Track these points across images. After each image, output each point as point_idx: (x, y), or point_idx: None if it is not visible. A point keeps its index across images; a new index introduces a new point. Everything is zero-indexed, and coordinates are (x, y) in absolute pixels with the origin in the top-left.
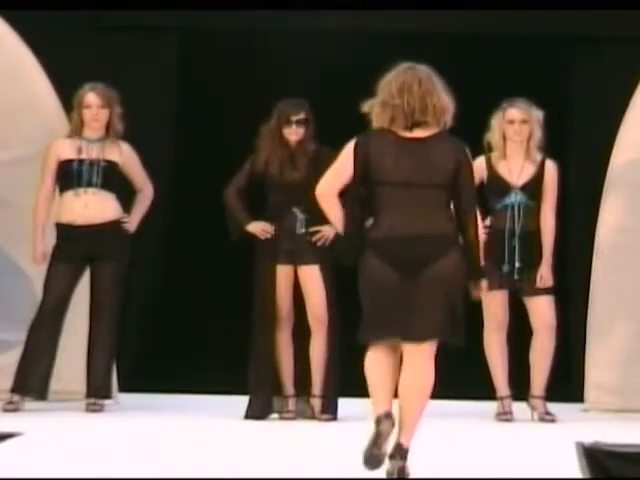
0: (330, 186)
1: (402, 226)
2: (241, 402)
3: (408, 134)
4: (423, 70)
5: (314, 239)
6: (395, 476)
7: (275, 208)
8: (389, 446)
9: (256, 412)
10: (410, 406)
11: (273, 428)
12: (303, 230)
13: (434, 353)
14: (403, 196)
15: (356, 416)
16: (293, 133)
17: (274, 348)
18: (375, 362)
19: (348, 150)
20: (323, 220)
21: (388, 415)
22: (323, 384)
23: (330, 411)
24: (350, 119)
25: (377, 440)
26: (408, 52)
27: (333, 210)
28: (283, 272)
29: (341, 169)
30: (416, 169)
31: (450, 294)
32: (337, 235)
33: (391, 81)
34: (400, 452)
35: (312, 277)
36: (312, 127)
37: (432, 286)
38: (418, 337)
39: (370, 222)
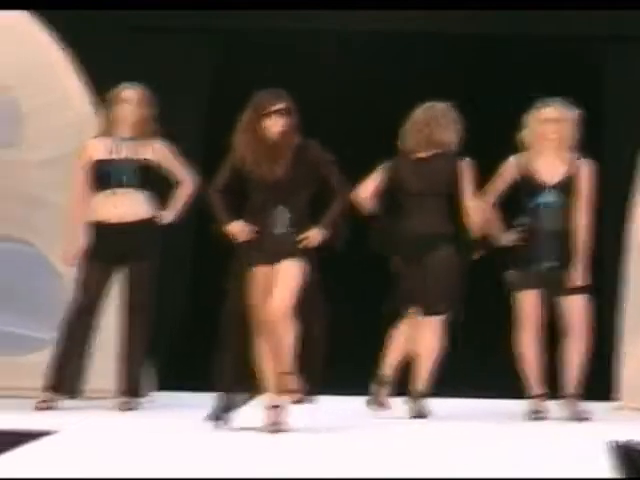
0: (367, 191)
1: (416, 226)
2: None
3: (424, 155)
4: (441, 107)
5: (301, 245)
6: (415, 414)
7: (255, 207)
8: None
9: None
10: (422, 362)
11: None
12: (285, 230)
13: (439, 322)
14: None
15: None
16: (273, 124)
17: (254, 353)
18: (395, 333)
19: (383, 167)
20: (307, 219)
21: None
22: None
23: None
24: (381, 121)
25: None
26: (442, 53)
27: (368, 210)
28: (263, 273)
29: (378, 180)
30: (426, 181)
31: (446, 277)
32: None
33: (418, 116)
34: (416, 394)
35: (285, 270)
36: (295, 118)
37: (432, 271)
38: (425, 311)
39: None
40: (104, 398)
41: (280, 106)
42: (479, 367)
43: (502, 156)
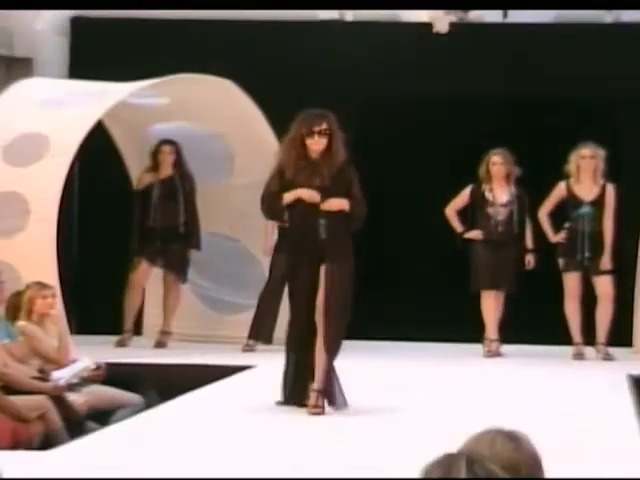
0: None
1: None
2: None
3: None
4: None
5: (324, 207)
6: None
7: (296, 216)
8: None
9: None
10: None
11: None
12: (325, 236)
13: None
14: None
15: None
16: (315, 143)
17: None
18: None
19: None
20: (342, 229)
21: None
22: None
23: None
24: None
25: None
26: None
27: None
28: (310, 273)
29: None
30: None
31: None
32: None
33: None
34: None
35: (329, 272)
36: (338, 138)
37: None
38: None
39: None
40: None
41: (322, 127)
42: (545, 325)
43: (554, 182)
